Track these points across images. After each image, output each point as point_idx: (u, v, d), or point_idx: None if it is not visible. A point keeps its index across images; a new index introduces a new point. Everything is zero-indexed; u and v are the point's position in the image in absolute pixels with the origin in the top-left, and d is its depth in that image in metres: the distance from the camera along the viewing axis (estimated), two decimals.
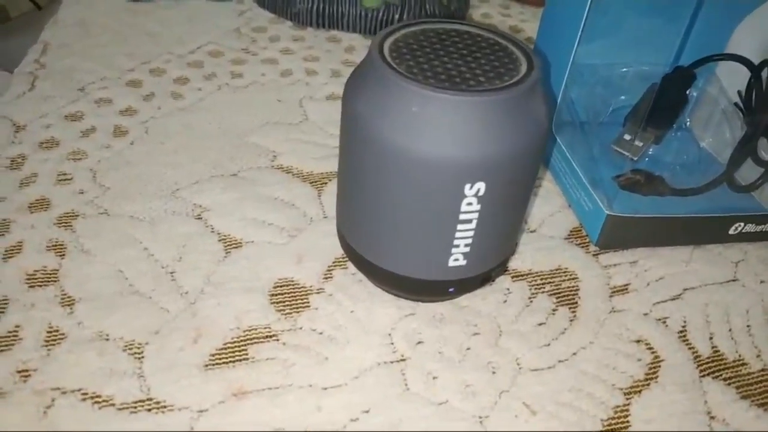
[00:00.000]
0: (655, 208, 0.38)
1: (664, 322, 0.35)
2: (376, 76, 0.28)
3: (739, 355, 0.34)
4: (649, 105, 0.42)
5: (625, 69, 0.44)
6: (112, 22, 0.57)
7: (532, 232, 0.40)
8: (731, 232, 0.39)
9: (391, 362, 0.32)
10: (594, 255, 0.39)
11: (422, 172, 0.27)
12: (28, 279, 0.34)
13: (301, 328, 0.33)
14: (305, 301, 0.34)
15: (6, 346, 0.31)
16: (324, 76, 0.53)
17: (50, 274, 0.34)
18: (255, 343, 0.32)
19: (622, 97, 0.44)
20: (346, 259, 0.36)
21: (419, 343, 0.33)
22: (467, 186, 0.28)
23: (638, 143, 0.42)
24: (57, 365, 0.30)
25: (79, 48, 0.53)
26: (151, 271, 0.35)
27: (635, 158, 0.42)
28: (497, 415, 0.30)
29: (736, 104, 0.41)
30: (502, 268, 0.34)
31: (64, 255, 0.35)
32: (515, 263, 0.38)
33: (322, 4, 0.58)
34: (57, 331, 0.32)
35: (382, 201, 0.29)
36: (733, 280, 0.38)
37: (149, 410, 0.29)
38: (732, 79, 0.42)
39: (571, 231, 0.40)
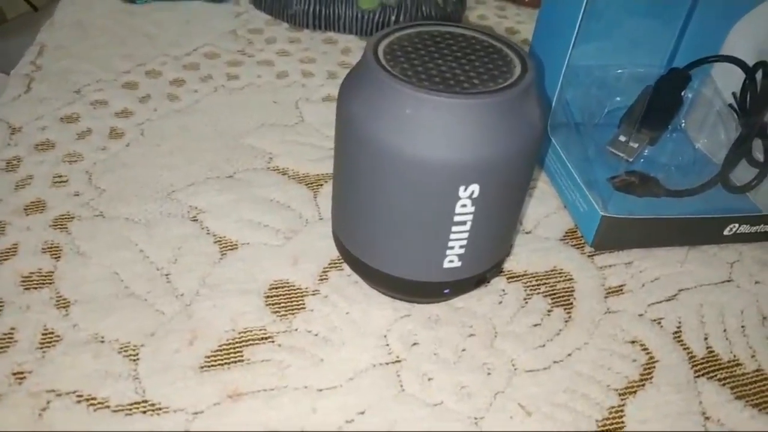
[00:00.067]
0: (650, 209, 0.38)
1: (659, 323, 0.35)
2: (370, 79, 0.28)
3: (734, 356, 0.34)
4: (644, 106, 0.42)
5: (620, 70, 0.44)
6: (108, 24, 0.57)
7: (527, 233, 0.40)
8: (726, 233, 0.39)
9: (387, 363, 0.32)
10: (589, 256, 0.39)
11: (416, 175, 0.27)
12: (24, 281, 0.34)
13: (296, 330, 0.33)
14: (301, 302, 0.34)
15: (1, 348, 0.31)
16: (320, 78, 0.53)
17: (45, 276, 0.34)
18: (250, 344, 0.32)
19: (618, 99, 0.44)
20: (342, 260, 0.36)
21: (414, 344, 0.33)
22: (461, 188, 0.28)
23: (633, 144, 0.42)
24: (52, 367, 0.30)
25: (75, 50, 0.53)
26: (146, 273, 0.35)
27: (630, 159, 0.42)
28: (492, 416, 0.30)
29: (730, 106, 0.41)
30: (497, 270, 0.34)
31: (59, 257, 0.35)
32: (510, 264, 0.38)
33: (319, 5, 0.58)
34: (52, 333, 0.32)
35: (377, 203, 0.29)
36: (728, 281, 0.38)
37: (144, 412, 0.29)
38: (727, 80, 0.42)
39: (566, 232, 0.40)
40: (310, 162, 0.44)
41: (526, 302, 0.36)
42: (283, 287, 0.35)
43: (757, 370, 0.34)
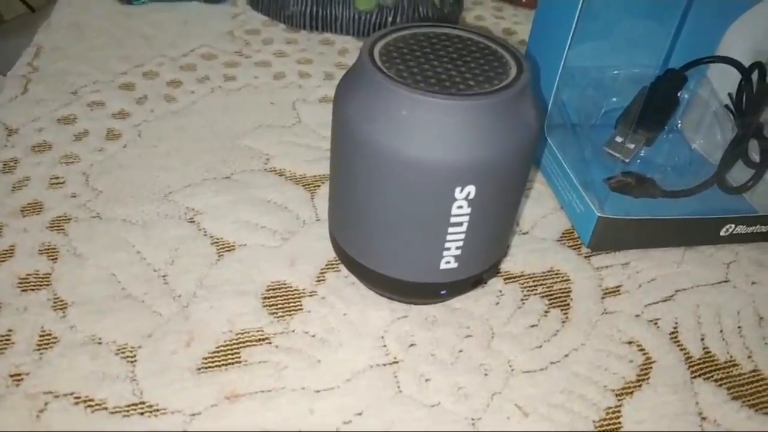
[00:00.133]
0: (646, 210, 0.39)
1: (656, 324, 0.35)
2: (366, 80, 0.28)
3: (731, 356, 0.34)
4: (640, 107, 0.42)
5: (616, 71, 0.44)
6: (105, 25, 0.57)
7: (524, 234, 0.40)
8: (722, 233, 0.39)
9: (384, 365, 0.32)
10: (586, 257, 0.39)
11: (412, 176, 0.28)
12: (21, 283, 0.34)
13: (293, 331, 0.33)
14: (298, 304, 0.34)
15: None
16: (317, 79, 0.53)
17: (43, 278, 0.34)
18: (248, 346, 0.32)
19: (614, 100, 0.44)
20: (339, 262, 0.36)
21: (412, 345, 0.33)
22: (457, 189, 0.28)
23: (629, 145, 0.42)
24: (50, 369, 0.30)
25: (72, 51, 0.53)
26: (143, 275, 0.35)
27: (627, 160, 0.42)
28: (489, 416, 0.30)
29: (726, 106, 0.41)
30: (494, 271, 0.34)
31: (56, 259, 0.35)
32: (507, 265, 0.38)
33: (316, 6, 0.58)
34: (49, 335, 0.32)
35: (373, 204, 0.29)
36: (725, 282, 0.38)
37: (142, 414, 0.29)
38: (723, 81, 0.42)
39: (563, 233, 0.40)
40: (307, 163, 0.44)
41: (523, 303, 0.36)
42: (280, 288, 0.35)
43: (753, 371, 0.34)
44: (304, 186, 0.42)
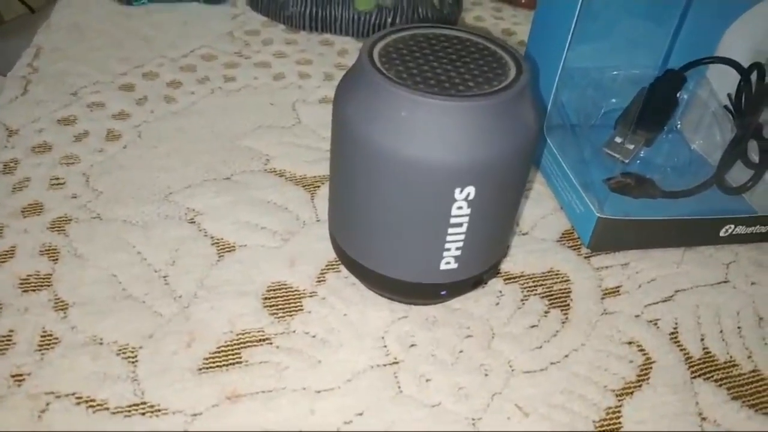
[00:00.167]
0: (646, 211, 0.39)
1: (656, 324, 0.35)
2: (365, 81, 0.28)
3: (730, 357, 0.34)
4: (639, 108, 0.42)
5: (615, 72, 0.44)
6: (104, 26, 0.57)
7: (524, 234, 0.40)
8: (722, 234, 0.39)
9: (384, 365, 0.32)
10: (586, 257, 0.39)
11: (412, 177, 0.28)
12: (22, 283, 0.34)
13: (294, 332, 0.33)
14: (298, 304, 0.34)
15: (0, 350, 0.31)
16: (317, 80, 0.53)
17: (43, 278, 0.34)
18: (248, 346, 0.32)
19: (613, 100, 0.44)
20: (339, 262, 0.36)
21: (412, 345, 0.33)
22: (457, 190, 0.28)
23: (629, 146, 0.42)
24: (51, 369, 0.30)
25: (72, 52, 0.53)
26: (144, 275, 0.35)
27: (626, 161, 0.42)
28: (490, 417, 0.30)
29: (726, 107, 0.41)
30: (494, 271, 0.34)
31: (57, 259, 0.35)
32: (507, 266, 0.38)
33: (315, 7, 0.58)
34: (51, 335, 0.32)
35: (373, 205, 0.30)
36: (724, 282, 0.38)
37: (143, 414, 0.29)
38: (722, 81, 0.42)
39: (562, 233, 0.41)
40: (307, 164, 0.44)
41: (523, 303, 0.36)
42: (280, 289, 0.35)
43: (753, 371, 0.34)
44: (304, 187, 0.42)
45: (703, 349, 0.35)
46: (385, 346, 0.33)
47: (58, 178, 0.41)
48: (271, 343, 0.32)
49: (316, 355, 0.32)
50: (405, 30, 0.31)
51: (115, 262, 0.36)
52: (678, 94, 0.44)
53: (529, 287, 0.37)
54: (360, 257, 0.32)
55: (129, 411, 0.29)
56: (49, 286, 0.34)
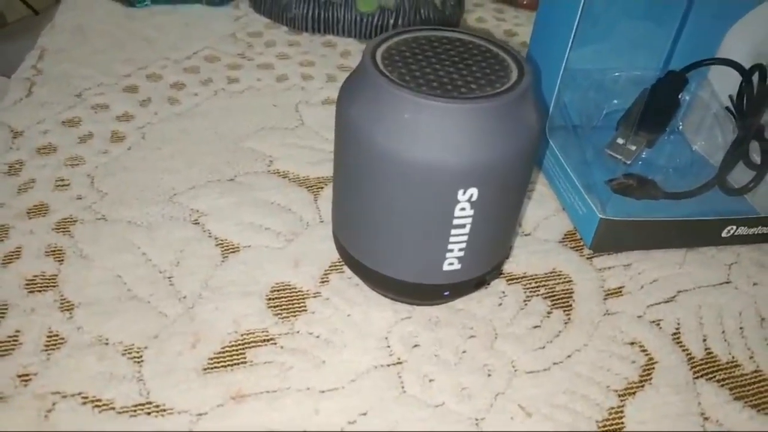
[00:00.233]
0: (648, 212, 0.39)
1: (658, 325, 0.36)
2: (368, 84, 0.28)
3: (733, 357, 0.34)
4: (641, 109, 0.42)
5: (617, 73, 0.44)
6: (108, 28, 0.58)
7: (526, 235, 0.40)
8: (724, 234, 0.40)
9: (388, 365, 0.32)
10: (588, 258, 0.39)
11: (415, 179, 0.28)
12: (28, 284, 0.34)
13: (298, 332, 0.33)
14: (302, 305, 0.35)
15: (6, 350, 0.31)
16: (319, 81, 0.53)
17: (49, 279, 0.35)
18: (253, 346, 0.32)
19: (615, 102, 0.44)
20: (342, 263, 0.36)
21: (415, 346, 0.33)
22: (460, 191, 0.28)
23: (631, 147, 0.42)
24: (57, 369, 0.30)
25: (75, 54, 0.53)
26: (149, 276, 0.35)
27: (628, 162, 0.42)
28: (493, 417, 0.31)
29: (727, 108, 0.41)
30: (496, 272, 0.34)
31: (62, 260, 0.36)
32: (510, 266, 0.38)
33: (318, 9, 0.58)
34: (57, 335, 0.32)
35: (377, 206, 0.30)
36: (726, 283, 0.39)
37: (149, 414, 0.29)
38: (723, 83, 0.42)
39: (565, 234, 0.41)
40: (310, 165, 0.44)
41: (526, 304, 0.36)
42: (284, 290, 0.35)
43: (755, 371, 0.34)
44: (307, 188, 0.42)
45: (706, 349, 0.35)
46: (389, 347, 0.33)
47: (63, 180, 0.41)
48: (275, 344, 0.33)
49: (320, 355, 0.32)
50: (407, 32, 0.31)
51: (120, 263, 0.36)
52: (680, 96, 0.44)
53: (532, 288, 0.37)
54: (363, 258, 0.32)
55: (134, 411, 0.29)
56: (54, 286, 0.34)
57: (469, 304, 0.35)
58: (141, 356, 0.31)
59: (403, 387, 0.31)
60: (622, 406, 0.32)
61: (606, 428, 0.31)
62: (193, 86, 0.51)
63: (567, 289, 0.37)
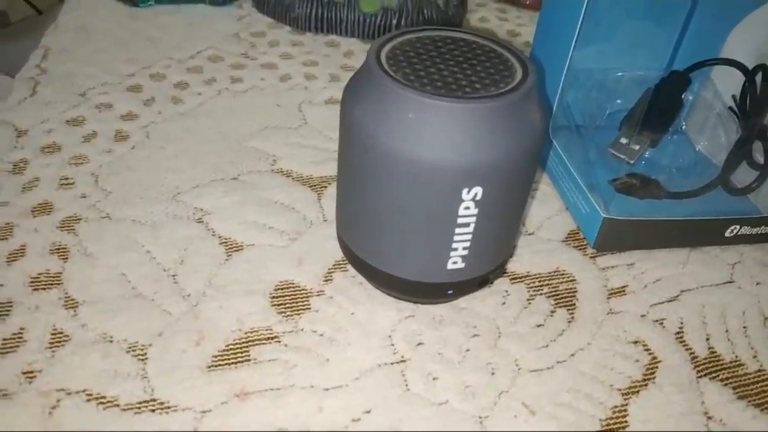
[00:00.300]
0: (651, 211, 0.39)
1: (662, 324, 0.36)
2: (373, 84, 0.28)
3: (736, 356, 0.34)
4: (644, 109, 0.42)
5: (620, 73, 0.44)
6: (112, 28, 0.58)
7: (530, 234, 0.40)
8: (727, 234, 0.40)
9: (392, 363, 0.32)
10: (591, 257, 0.39)
11: (420, 178, 0.28)
12: (32, 282, 0.34)
13: (302, 330, 0.33)
14: (306, 303, 0.35)
15: (11, 348, 0.31)
16: (323, 81, 0.53)
17: (54, 277, 0.35)
18: (257, 344, 0.32)
19: (618, 101, 0.44)
20: (346, 261, 0.36)
21: (419, 344, 0.33)
22: (464, 191, 0.28)
23: (634, 147, 0.42)
24: (62, 367, 0.30)
25: (79, 53, 0.54)
26: (153, 274, 0.35)
27: (631, 162, 0.42)
28: (497, 415, 0.31)
29: (730, 108, 0.41)
30: (500, 271, 0.34)
31: (67, 258, 0.36)
32: (513, 265, 0.38)
33: (321, 9, 0.58)
34: (61, 333, 0.32)
35: (381, 205, 0.30)
36: (730, 282, 0.39)
37: (153, 411, 0.29)
38: (727, 83, 0.42)
39: (568, 234, 0.41)
40: (314, 164, 0.44)
41: (530, 303, 0.36)
42: (288, 288, 0.35)
43: (759, 371, 0.34)
44: (310, 187, 0.42)
45: (709, 348, 0.35)
46: (393, 345, 0.33)
47: (67, 178, 0.41)
48: (279, 342, 0.33)
49: (324, 353, 0.32)
50: (412, 32, 0.31)
51: (124, 261, 0.36)
52: (683, 96, 0.44)
53: (535, 287, 0.37)
54: (367, 257, 0.32)
55: (139, 408, 0.29)
56: (59, 284, 0.34)
57: (473, 303, 0.35)
58: (145, 354, 0.31)
59: (406, 385, 0.31)
60: (626, 404, 0.32)
61: (609, 427, 0.31)
62: (196, 86, 0.51)
63: (570, 288, 0.37)
